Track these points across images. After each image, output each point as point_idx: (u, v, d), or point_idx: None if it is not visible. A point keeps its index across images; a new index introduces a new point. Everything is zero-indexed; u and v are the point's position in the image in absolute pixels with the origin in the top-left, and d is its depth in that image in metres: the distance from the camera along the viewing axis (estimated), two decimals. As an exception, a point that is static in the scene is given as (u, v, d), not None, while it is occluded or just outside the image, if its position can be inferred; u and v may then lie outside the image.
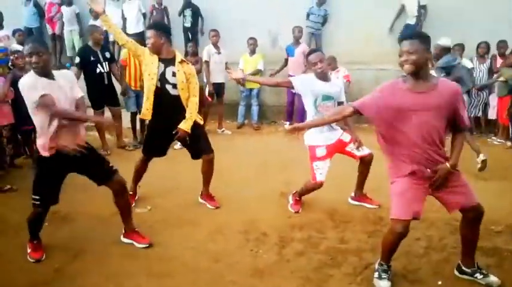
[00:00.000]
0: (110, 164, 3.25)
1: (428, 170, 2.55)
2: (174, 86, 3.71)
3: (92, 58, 5.88)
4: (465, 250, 2.76)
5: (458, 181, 2.60)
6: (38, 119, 2.93)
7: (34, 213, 3.10)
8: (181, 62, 3.77)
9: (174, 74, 3.70)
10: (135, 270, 3.02)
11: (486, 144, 6.34)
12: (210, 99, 7.20)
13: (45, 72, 2.92)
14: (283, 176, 4.83)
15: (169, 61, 3.72)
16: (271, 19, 8.20)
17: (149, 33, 3.69)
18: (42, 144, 2.97)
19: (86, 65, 5.89)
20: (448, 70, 5.36)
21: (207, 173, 4.06)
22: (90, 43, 6.01)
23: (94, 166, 3.17)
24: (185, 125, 3.73)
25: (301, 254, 3.21)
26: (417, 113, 2.46)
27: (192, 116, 3.77)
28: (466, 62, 6.90)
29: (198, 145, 3.92)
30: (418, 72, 2.45)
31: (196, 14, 8.38)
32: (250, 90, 7.68)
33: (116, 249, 3.30)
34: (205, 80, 7.12)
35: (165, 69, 3.69)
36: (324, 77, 3.74)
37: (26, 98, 2.89)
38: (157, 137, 3.87)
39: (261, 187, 4.56)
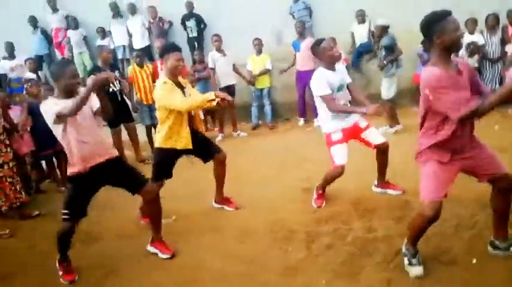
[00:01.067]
0: (142, 173, 3.32)
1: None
2: None
3: None
4: (498, 223, 2.70)
5: (487, 151, 2.57)
6: (64, 141, 3.02)
7: (63, 228, 3.14)
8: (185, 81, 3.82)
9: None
10: (165, 281, 3.05)
11: (507, 116, 6.19)
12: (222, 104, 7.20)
13: (77, 92, 3.04)
14: (302, 172, 4.81)
15: (181, 85, 3.68)
16: (273, 17, 8.17)
17: (180, 55, 3.61)
18: (72, 166, 3.06)
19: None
20: (391, 49, 5.99)
21: (221, 174, 4.02)
22: (99, 63, 6.10)
23: (125, 176, 3.24)
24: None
25: (330, 247, 3.19)
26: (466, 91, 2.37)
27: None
28: (478, 37, 6.76)
29: (207, 146, 3.90)
30: None
31: (199, 22, 8.41)
32: (261, 90, 7.68)
33: (145, 262, 3.33)
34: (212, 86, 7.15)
35: (185, 95, 3.63)
36: (333, 66, 3.71)
37: (47, 120, 2.94)
38: (171, 161, 3.76)
39: (282, 185, 4.55)
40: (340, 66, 3.89)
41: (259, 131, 7.68)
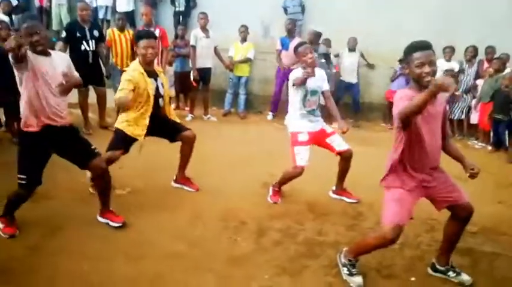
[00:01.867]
0: (92, 147, 3.21)
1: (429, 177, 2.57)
2: (162, 97, 3.78)
3: (78, 34, 5.76)
4: (444, 247, 2.81)
5: (449, 179, 2.65)
6: (25, 92, 2.89)
7: (18, 194, 3.04)
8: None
9: (162, 85, 3.76)
10: (111, 253, 2.99)
11: (468, 147, 6.45)
12: (195, 84, 7.13)
13: (44, 50, 2.91)
14: (266, 166, 4.82)
15: (153, 73, 3.73)
16: (263, 8, 8.11)
17: (150, 43, 3.61)
18: (26, 119, 2.94)
19: (72, 41, 5.78)
20: (327, 58, 6.49)
21: (187, 154, 3.99)
22: (78, 19, 5.87)
23: (76, 147, 3.15)
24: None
25: (279, 244, 3.23)
26: (431, 120, 2.47)
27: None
28: (454, 65, 7.00)
29: (174, 126, 3.91)
30: None
31: (189, -3, 8.24)
32: (239, 77, 7.63)
33: (93, 230, 3.26)
34: (191, 65, 7.06)
35: (157, 84, 3.70)
36: (311, 70, 3.71)
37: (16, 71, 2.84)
38: (128, 143, 3.73)
39: (244, 176, 4.55)
40: (321, 72, 3.92)
41: (229, 118, 7.65)
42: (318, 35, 6.58)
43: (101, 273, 2.74)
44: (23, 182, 2.98)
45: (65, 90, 3.03)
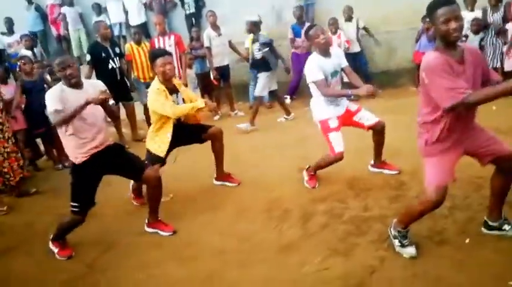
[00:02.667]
0: (140, 159, 3.34)
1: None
2: None
3: (103, 54, 5.87)
4: (494, 202, 2.72)
5: (487, 133, 2.56)
6: (60, 133, 3.04)
7: (72, 220, 3.16)
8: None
9: (183, 101, 3.82)
10: (163, 258, 3.08)
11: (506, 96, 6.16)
12: (216, 83, 7.18)
13: (77, 82, 3.01)
14: (299, 151, 4.82)
15: (174, 88, 3.80)
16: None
17: (166, 59, 3.68)
18: (71, 153, 3.07)
19: (98, 62, 5.89)
20: (270, 46, 6.17)
21: (219, 150, 4.05)
22: (99, 39, 6.00)
23: (126, 162, 3.26)
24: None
25: (325, 226, 3.22)
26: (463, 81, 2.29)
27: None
28: (479, 14, 6.70)
29: (198, 128, 3.98)
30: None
31: (197, -1, 8.28)
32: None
33: (143, 239, 3.37)
34: (209, 65, 7.11)
35: (178, 101, 3.79)
36: (326, 52, 3.66)
37: (48, 107, 2.98)
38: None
39: (279, 165, 4.56)
40: (336, 50, 3.85)
41: (256, 110, 7.62)
42: (255, 24, 6.29)
43: (157, 279, 2.84)
44: (76, 209, 3.09)
45: (110, 112, 3.15)
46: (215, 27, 7.04)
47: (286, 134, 5.72)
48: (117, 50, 6.05)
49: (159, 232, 3.41)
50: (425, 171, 2.54)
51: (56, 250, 3.28)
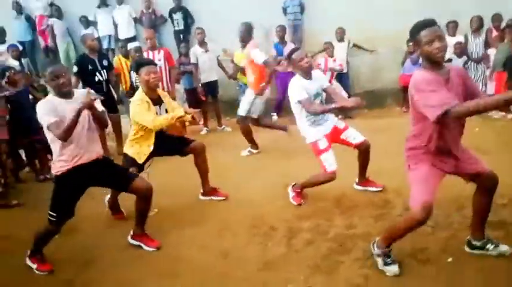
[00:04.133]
0: (129, 171, 3.32)
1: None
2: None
3: (90, 67, 5.84)
4: (476, 222, 2.75)
5: (469, 152, 2.63)
6: (53, 143, 2.99)
7: (47, 229, 3.09)
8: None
9: (166, 111, 3.81)
10: (146, 273, 3.03)
11: (487, 118, 6.29)
12: (204, 98, 7.20)
13: (69, 91, 2.99)
14: (285, 168, 4.82)
15: (158, 99, 3.81)
16: (263, 14, 8.12)
17: (152, 69, 3.72)
18: (57, 163, 3.02)
19: (85, 74, 5.85)
20: None
21: (202, 166, 4.03)
22: (87, 51, 5.99)
23: (114, 173, 3.21)
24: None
25: (310, 243, 3.21)
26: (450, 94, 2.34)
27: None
28: (459, 38, 6.91)
29: (181, 140, 4.00)
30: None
31: (186, 16, 8.36)
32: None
33: (125, 254, 3.31)
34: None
35: (160, 109, 3.79)
36: (308, 74, 3.72)
37: (40, 119, 2.94)
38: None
39: (265, 181, 4.56)
40: (317, 73, 3.92)
41: (244, 126, 7.64)
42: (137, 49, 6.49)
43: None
44: (53, 219, 3.03)
45: (97, 118, 3.07)
46: (202, 43, 7.10)
47: (271, 150, 5.72)
48: (104, 62, 6.02)
49: (142, 245, 3.36)
50: (410, 189, 2.56)
51: (34, 266, 3.18)
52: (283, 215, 3.70)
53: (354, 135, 3.81)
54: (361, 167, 3.95)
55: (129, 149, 3.83)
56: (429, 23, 2.34)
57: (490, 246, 2.73)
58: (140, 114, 3.63)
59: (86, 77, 5.86)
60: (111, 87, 6.15)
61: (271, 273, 2.89)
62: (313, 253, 3.07)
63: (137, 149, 3.78)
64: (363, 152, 3.83)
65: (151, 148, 3.77)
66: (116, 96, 6.34)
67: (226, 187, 4.33)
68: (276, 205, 3.94)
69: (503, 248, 2.71)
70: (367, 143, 3.80)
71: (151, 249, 3.32)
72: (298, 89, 3.65)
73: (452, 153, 2.53)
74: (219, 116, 7.47)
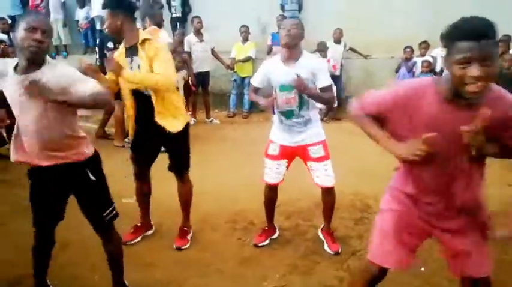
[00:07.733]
0: (106, 213, 2.40)
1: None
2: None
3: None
4: None
5: (478, 236, 1.78)
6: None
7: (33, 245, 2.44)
8: (143, 42, 2.78)
9: (139, 67, 2.82)
10: (125, 263, 2.91)
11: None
12: (194, 89, 7.16)
13: (41, 58, 2.05)
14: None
15: (133, 50, 2.82)
16: (260, 7, 8.12)
17: (105, 15, 2.85)
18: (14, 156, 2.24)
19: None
20: None
21: (181, 196, 3.31)
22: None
23: (87, 203, 2.40)
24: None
25: (289, 242, 3.22)
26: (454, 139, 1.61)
27: (141, 76, 2.77)
28: (429, 59, 6.97)
29: (176, 156, 3.23)
30: None
31: (184, 4, 8.29)
32: (243, 78, 7.66)
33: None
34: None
35: (132, 63, 2.83)
36: (292, 61, 2.84)
37: None
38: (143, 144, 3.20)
39: (249, 177, 4.53)
40: (309, 62, 2.94)
41: (233, 119, 7.66)
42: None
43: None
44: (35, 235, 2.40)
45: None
46: (198, 33, 7.05)
47: (256, 145, 5.70)
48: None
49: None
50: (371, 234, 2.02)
51: None
52: (263, 213, 3.67)
53: (321, 175, 2.98)
54: (323, 212, 3.19)
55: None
56: (476, 33, 1.45)
57: None
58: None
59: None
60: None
61: (248, 268, 2.90)
62: (291, 252, 3.08)
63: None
64: (325, 194, 3.08)
65: (133, 122, 3.09)
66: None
67: (208, 179, 4.31)
68: (257, 201, 3.91)
69: None
70: (332, 191, 3.07)
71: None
72: (258, 72, 3.06)
73: (447, 210, 1.77)
74: (208, 108, 7.44)
